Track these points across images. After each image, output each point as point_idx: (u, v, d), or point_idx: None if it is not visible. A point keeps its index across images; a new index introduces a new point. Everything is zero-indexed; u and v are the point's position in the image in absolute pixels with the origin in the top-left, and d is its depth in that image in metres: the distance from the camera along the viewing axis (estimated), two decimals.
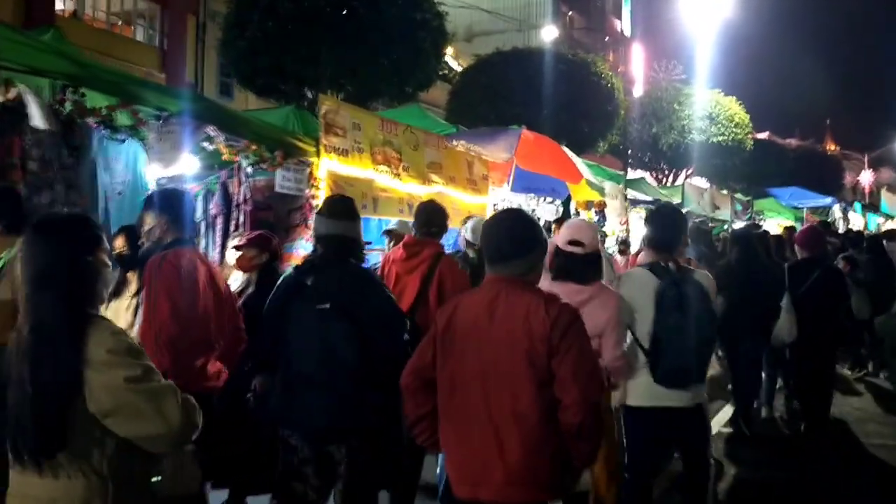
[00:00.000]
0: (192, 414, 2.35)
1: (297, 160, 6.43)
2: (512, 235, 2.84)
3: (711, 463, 4.43)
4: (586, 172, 9.09)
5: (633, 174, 23.47)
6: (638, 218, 15.65)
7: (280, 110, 8.84)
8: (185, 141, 5.22)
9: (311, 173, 6.56)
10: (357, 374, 3.49)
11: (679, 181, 24.15)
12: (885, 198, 32.74)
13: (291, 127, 7.88)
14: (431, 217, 5.12)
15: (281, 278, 3.90)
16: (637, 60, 40.30)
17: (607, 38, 40.77)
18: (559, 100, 18.65)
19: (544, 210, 12.00)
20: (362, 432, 3.55)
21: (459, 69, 23.77)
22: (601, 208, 13.05)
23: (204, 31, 22.70)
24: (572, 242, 4.01)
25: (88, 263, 2.33)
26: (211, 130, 5.41)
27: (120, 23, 22.63)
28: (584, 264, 3.99)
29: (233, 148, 5.72)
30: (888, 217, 31.24)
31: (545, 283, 3.65)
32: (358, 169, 7.22)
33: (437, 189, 8.39)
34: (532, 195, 10.90)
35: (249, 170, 6.02)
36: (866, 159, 50.72)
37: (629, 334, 4.00)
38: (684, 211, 16.74)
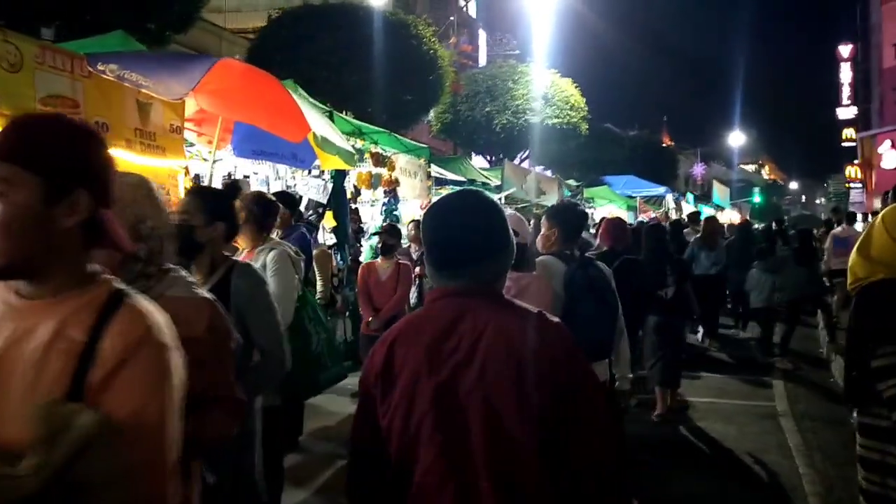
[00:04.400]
0: None
1: None
2: (477, 225, 1.87)
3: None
4: (322, 127, 6.03)
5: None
6: None
7: None
8: None
9: None
10: None
11: None
12: (717, 189, 32.08)
13: None
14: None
15: None
16: (483, 43, 37.99)
17: (452, 17, 38.12)
18: (374, 63, 15.67)
19: (308, 186, 8.88)
20: None
21: None
22: (391, 188, 10.12)
23: None
24: None
25: None
26: None
27: None
28: (520, 253, 2.97)
29: None
30: (719, 207, 30.54)
31: None
32: None
33: None
34: (263, 161, 7.73)
35: None
36: (699, 153, 51.12)
37: None
38: (504, 195, 14.27)
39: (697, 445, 6.38)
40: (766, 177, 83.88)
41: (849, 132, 47.35)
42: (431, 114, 23.77)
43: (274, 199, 4.16)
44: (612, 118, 38.10)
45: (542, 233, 4.27)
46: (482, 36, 38.89)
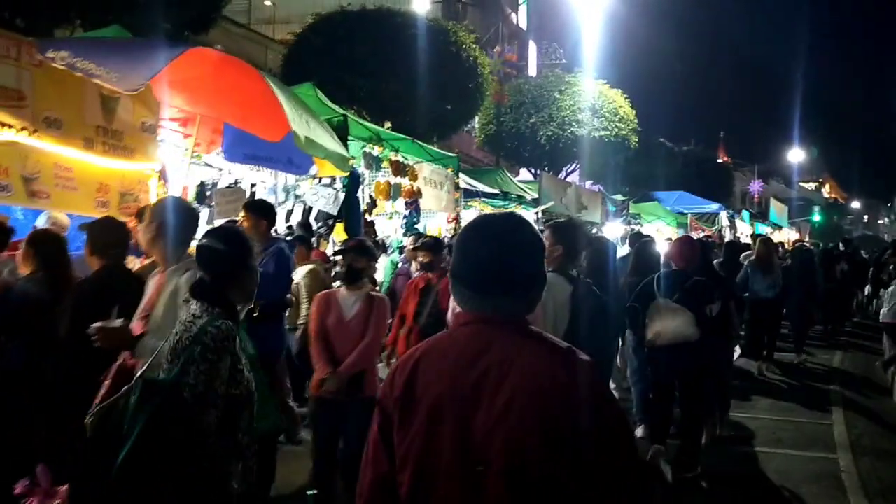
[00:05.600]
0: None
1: None
2: (523, 251, 1.81)
3: None
4: (309, 126, 5.20)
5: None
6: (477, 214, 11.99)
7: None
8: None
9: None
10: None
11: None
12: (775, 207, 30.48)
13: None
14: None
15: None
16: (533, 55, 37.04)
17: (500, 25, 37.29)
18: (411, 71, 14.94)
19: (317, 196, 8.11)
20: None
21: None
22: (413, 199, 9.30)
23: None
24: None
25: None
26: None
27: None
28: None
29: None
30: (776, 226, 28.99)
31: None
32: None
33: (3, 136, 4.42)
34: (256, 166, 6.96)
35: None
36: (756, 170, 49.14)
37: None
38: (542, 209, 13.34)
39: None
40: (826, 195, 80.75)
41: None
42: (475, 124, 22.96)
43: (191, 205, 3.36)
44: (666, 133, 36.75)
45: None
46: (532, 47, 37.98)
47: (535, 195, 13.16)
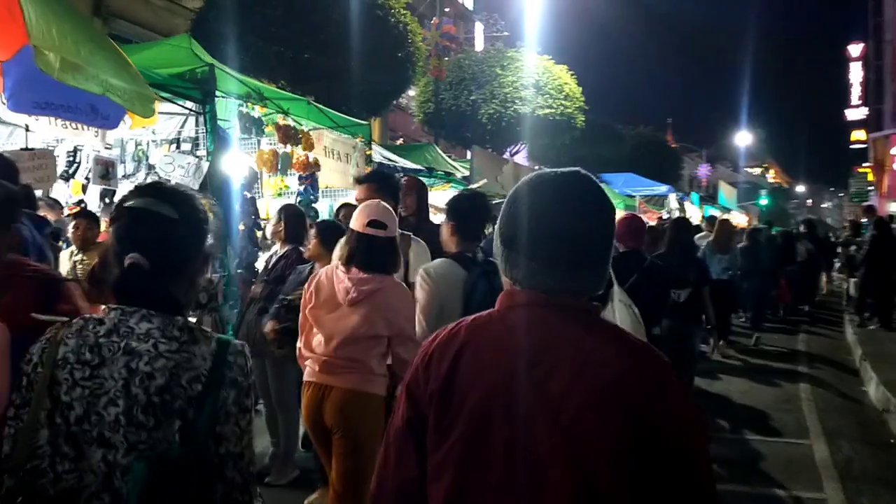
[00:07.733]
0: None
1: None
2: (602, 218, 1.45)
3: None
4: (76, 48, 3.44)
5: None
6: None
7: None
8: None
9: None
10: None
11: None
12: (724, 190, 29.55)
13: None
14: None
15: None
16: (480, 32, 35.49)
17: (448, 8, 35.56)
18: (334, 37, 13.27)
19: (174, 165, 6.34)
20: None
21: None
22: (308, 172, 7.60)
23: None
24: (374, 224, 3.32)
25: None
26: None
27: None
28: (386, 251, 3.35)
29: None
30: (725, 209, 28.05)
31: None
32: None
33: None
34: (56, 119, 5.19)
35: None
36: (704, 154, 48.55)
37: None
38: (474, 187, 11.76)
39: None
40: (771, 180, 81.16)
41: (858, 134, 45.34)
42: (411, 101, 21.32)
43: None
44: (615, 116, 35.64)
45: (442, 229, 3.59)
46: (479, 27, 36.40)
47: (466, 172, 11.56)
